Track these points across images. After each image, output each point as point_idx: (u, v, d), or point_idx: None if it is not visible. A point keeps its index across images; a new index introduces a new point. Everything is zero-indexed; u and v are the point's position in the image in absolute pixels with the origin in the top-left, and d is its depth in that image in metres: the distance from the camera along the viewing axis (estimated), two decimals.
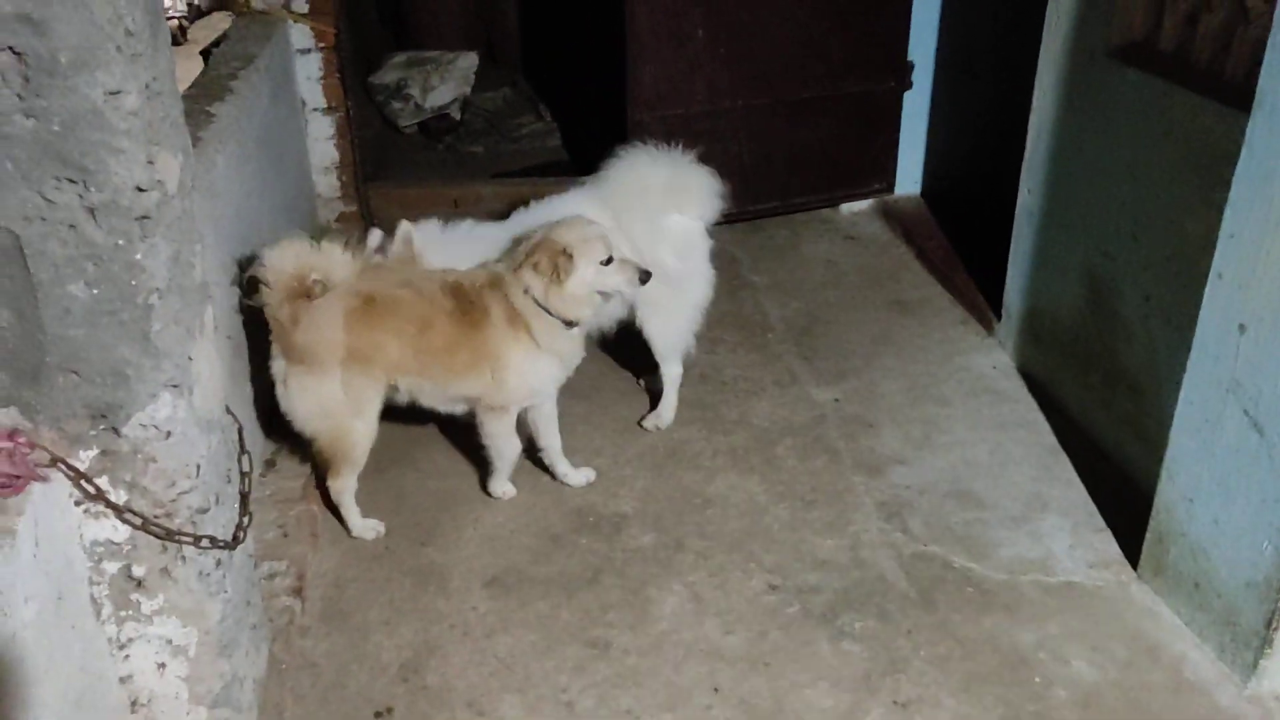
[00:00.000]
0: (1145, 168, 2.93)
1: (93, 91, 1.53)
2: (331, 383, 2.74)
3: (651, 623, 2.68)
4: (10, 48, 1.47)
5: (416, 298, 2.78)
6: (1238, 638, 2.42)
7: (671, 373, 3.41)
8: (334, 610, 2.73)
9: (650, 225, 3.15)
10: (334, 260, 2.70)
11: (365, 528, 2.96)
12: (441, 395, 2.92)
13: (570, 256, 2.75)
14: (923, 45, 4.67)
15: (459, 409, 3.00)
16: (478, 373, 2.84)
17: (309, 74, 4.41)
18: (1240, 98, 2.34)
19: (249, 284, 2.74)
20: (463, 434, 3.24)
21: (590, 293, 2.82)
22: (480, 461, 3.15)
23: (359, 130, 4.65)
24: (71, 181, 1.57)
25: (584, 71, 5.90)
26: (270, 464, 3.15)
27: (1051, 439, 3.34)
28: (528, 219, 3.15)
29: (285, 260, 2.64)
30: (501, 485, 3.10)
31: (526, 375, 2.87)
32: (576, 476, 3.15)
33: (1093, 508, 3.05)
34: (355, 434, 2.84)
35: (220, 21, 4.03)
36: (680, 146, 3.26)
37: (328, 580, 2.83)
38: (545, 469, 3.17)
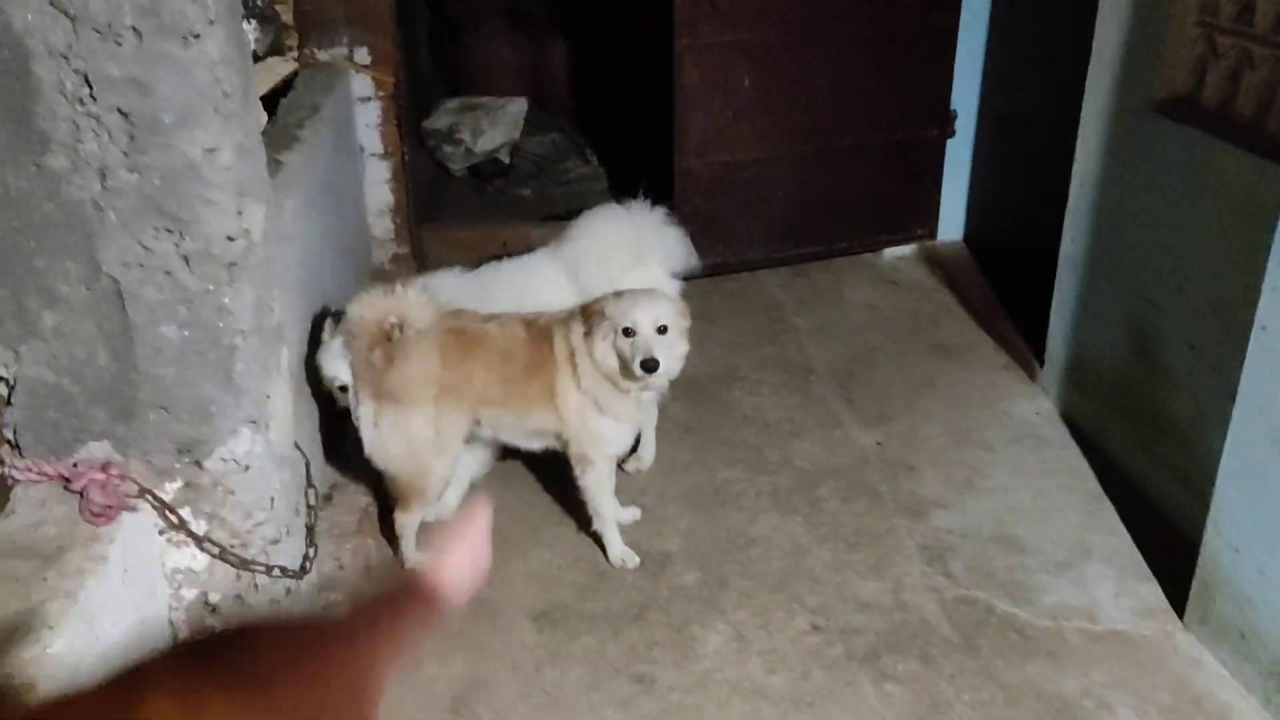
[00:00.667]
0: (1189, 219, 2.97)
1: (191, 148, 1.65)
2: (422, 419, 2.84)
3: (696, 660, 2.73)
4: (119, 108, 1.59)
5: (500, 329, 2.93)
6: None
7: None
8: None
9: (610, 283, 3.10)
10: (410, 303, 2.84)
11: (419, 561, 3.02)
12: (521, 428, 3.01)
13: (604, 316, 2.81)
14: (966, 94, 4.75)
15: (538, 445, 3.07)
16: (547, 405, 2.92)
17: (368, 121, 4.58)
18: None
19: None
20: (512, 475, 3.32)
21: (608, 356, 2.82)
22: (531, 501, 3.23)
23: (412, 174, 4.81)
24: (169, 231, 1.69)
25: (632, 118, 6.04)
26: (327, 498, 3.24)
27: (1095, 486, 3.36)
28: (497, 273, 3.36)
29: (366, 310, 2.80)
30: (615, 550, 3.07)
31: (586, 420, 2.93)
32: (616, 552, 3.09)
33: (1138, 555, 3.06)
34: (435, 473, 2.92)
35: (277, 67, 4.18)
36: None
37: None
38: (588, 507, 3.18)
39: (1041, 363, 3.88)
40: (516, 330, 2.93)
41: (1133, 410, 3.32)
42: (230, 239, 1.74)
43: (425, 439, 2.87)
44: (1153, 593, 2.91)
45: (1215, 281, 2.86)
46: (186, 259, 1.71)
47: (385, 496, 3.36)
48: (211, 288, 1.74)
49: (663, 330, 2.80)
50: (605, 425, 2.93)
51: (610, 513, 3.08)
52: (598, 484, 3.00)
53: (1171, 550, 2.97)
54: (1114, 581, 2.95)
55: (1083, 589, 2.92)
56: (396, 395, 2.82)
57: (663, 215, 3.38)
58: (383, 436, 2.87)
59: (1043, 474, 3.43)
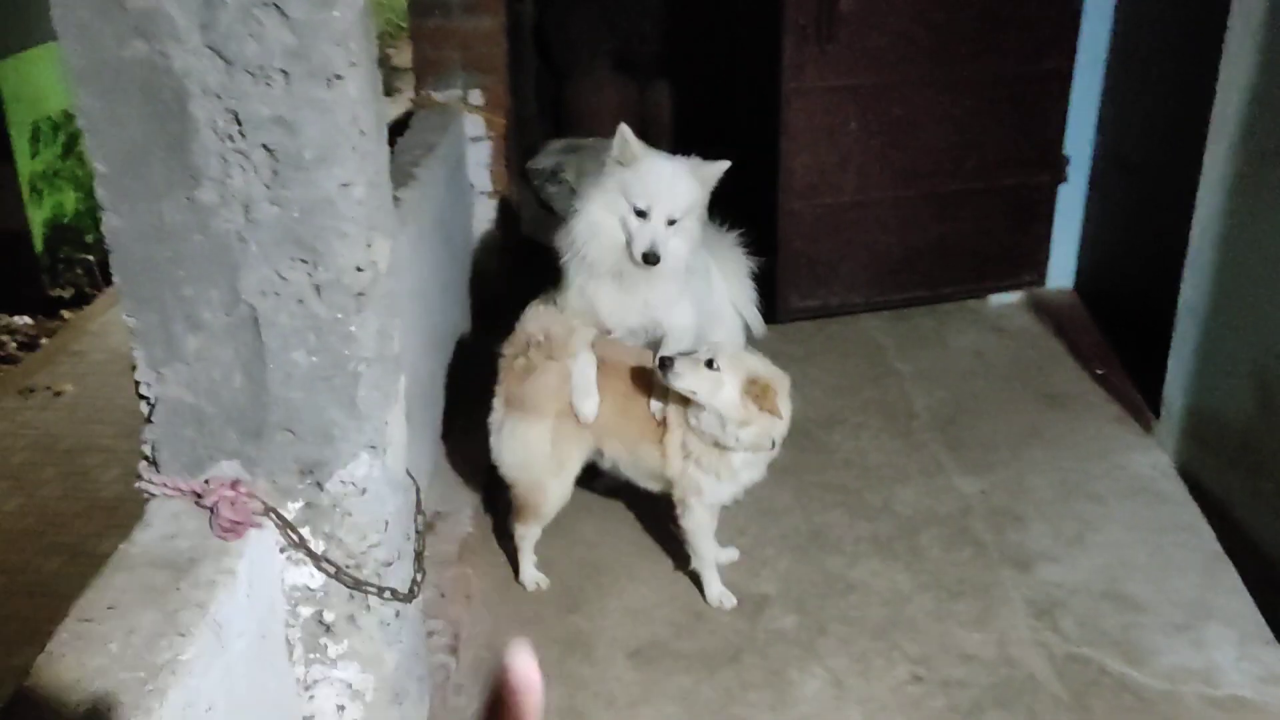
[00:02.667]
0: None
1: (329, 184, 1.73)
2: (542, 432, 2.93)
3: (792, 705, 2.69)
4: (265, 145, 1.68)
5: (631, 363, 2.98)
6: None
7: None
8: (485, 670, 2.84)
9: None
10: (561, 322, 3.00)
11: (531, 578, 3.12)
12: (634, 465, 3.04)
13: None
14: (1079, 139, 4.66)
15: (655, 486, 3.06)
16: (655, 445, 2.94)
17: (479, 160, 4.72)
18: None
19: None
20: (611, 511, 3.35)
21: (708, 425, 2.79)
22: (630, 538, 3.24)
23: (518, 211, 4.93)
24: (303, 261, 1.77)
25: (736, 160, 6.08)
26: (429, 526, 3.31)
27: (1215, 545, 3.22)
28: None
29: (531, 323, 3.00)
30: (713, 591, 3.06)
31: (688, 468, 2.91)
32: (715, 593, 3.07)
33: (1260, 619, 2.91)
34: (550, 491, 3.01)
35: (389, 109, 4.37)
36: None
37: (480, 641, 2.95)
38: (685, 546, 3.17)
39: (1157, 414, 3.75)
40: (644, 364, 2.96)
41: (1257, 467, 3.18)
42: (359, 270, 1.81)
43: (542, 453, 2.95)
44: (1277, 658, 2.76)
45: None
46: (318, 288, 1.78)
47: (491, 523, 3.44)
48: (340, 316, 1.81)
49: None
50: (705, 479, 2.91)
51: (709, 554, 3.07)
52: (696, 527, 3.00)
53: None
54: (1235, 645, 2.82)
55: (1202, 651, 2.80)
56: (523, 405, 2.94)
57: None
58: (503, 441, 2.98)
59: (1159, 530, 3.30)
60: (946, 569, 3.17)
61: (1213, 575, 3.09)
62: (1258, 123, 3.10)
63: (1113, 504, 3.44)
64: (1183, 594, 3.02)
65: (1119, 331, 4.47)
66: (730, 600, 3.04)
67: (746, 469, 2.90)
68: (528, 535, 3.10)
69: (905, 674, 2.77)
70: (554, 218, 6.25)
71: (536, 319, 3.03)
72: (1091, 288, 4.82)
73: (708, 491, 2.92)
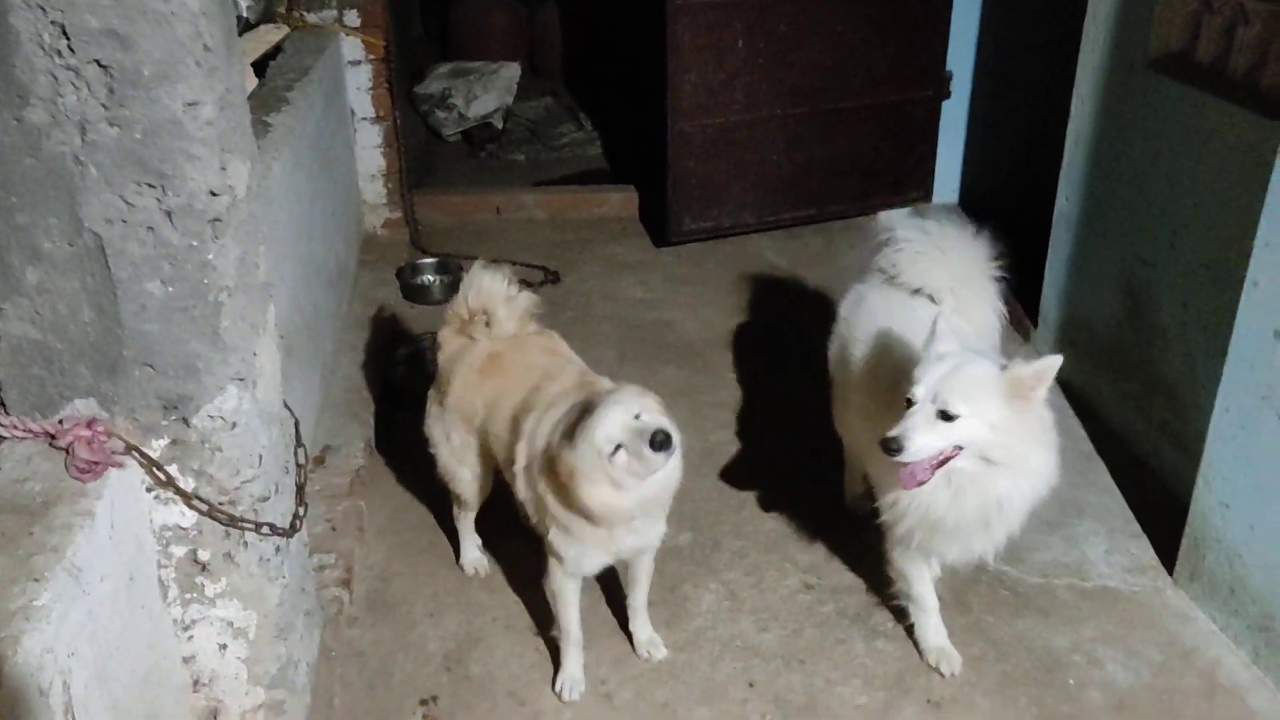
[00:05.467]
0: (1183, 177, 2.95)
1: (173, 102, 1.62)
2: (447, 419, 2.69)
3: (688, 619, 2.74)
4: (97, 60, 1.57)
5: (522, 372, 2.55)
6: (1272, 642, 2.43)
7: None
8: (380, 602, 2.81)
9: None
10: (511, 305, 2.67)
11: (469, 562, 2.91)
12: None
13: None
14: (962, 55, 4.71)
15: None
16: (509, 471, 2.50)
17: (359, 84, 4.54)
18: (1276, 108, 2.37)
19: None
20: None
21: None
22: None
23: (404, 138, 4.77)
24: (151, 186, 1.67)
25: (624, 82, 6.00)
26: (319, 460, 3.24)
27: (1088, 446, 3.36)
28: None
29: (472, 291, 2.65)
30: (564, 674, 2.53)
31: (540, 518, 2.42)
32: (563, 678, 2.53)
33: (1129, 514, 3.07)
34: (460, 479, 2.77)
35: (269, 34, 4.14)
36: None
37: (374, 573, 2.92)
38: None
39: (1036, 324, 3.88)
40: (551, 381, 2.46)
41: (1125, 370, 3.32)
42: (214, 194, 1.72)
43: (445, 440, 2.73)
44: (1143, 550, 2.92)
45: (1208, 238, 2.85)
46: (169, 214, 1.69)
47: (384, 457, 3.39)
48: (195, 243, 1.72)
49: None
50: (560, 539, 2.37)
51: (571, 627, 2.51)
52: (555, 585, 2.47)
53: (1162, 508, 2.98)
54: (1105, 539, 2.97)
55: (1074, 547, 2.94)
56: (440, 386, 2.73)
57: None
58: (427, 416, 2.77)
59: None
60: (836, 483, 3.24)
61: (1085, 474, 3.23)
62: (1125, 35, 3.17)
63: None
64: (1057, 494, 3.09)
65: (1001, 244, 4.57)
66: (577, 692, 2.51)
67: (629, 533, 2.33)
68: (460, 518, 2.89)
69: (797, 583, 2.85)
70: (443, 145, 6.10)
71: (480, 288, 2.66)
72: (975, 202, 4.93)
73: (567, 555, 2.38)
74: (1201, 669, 2.53)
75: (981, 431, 2.15)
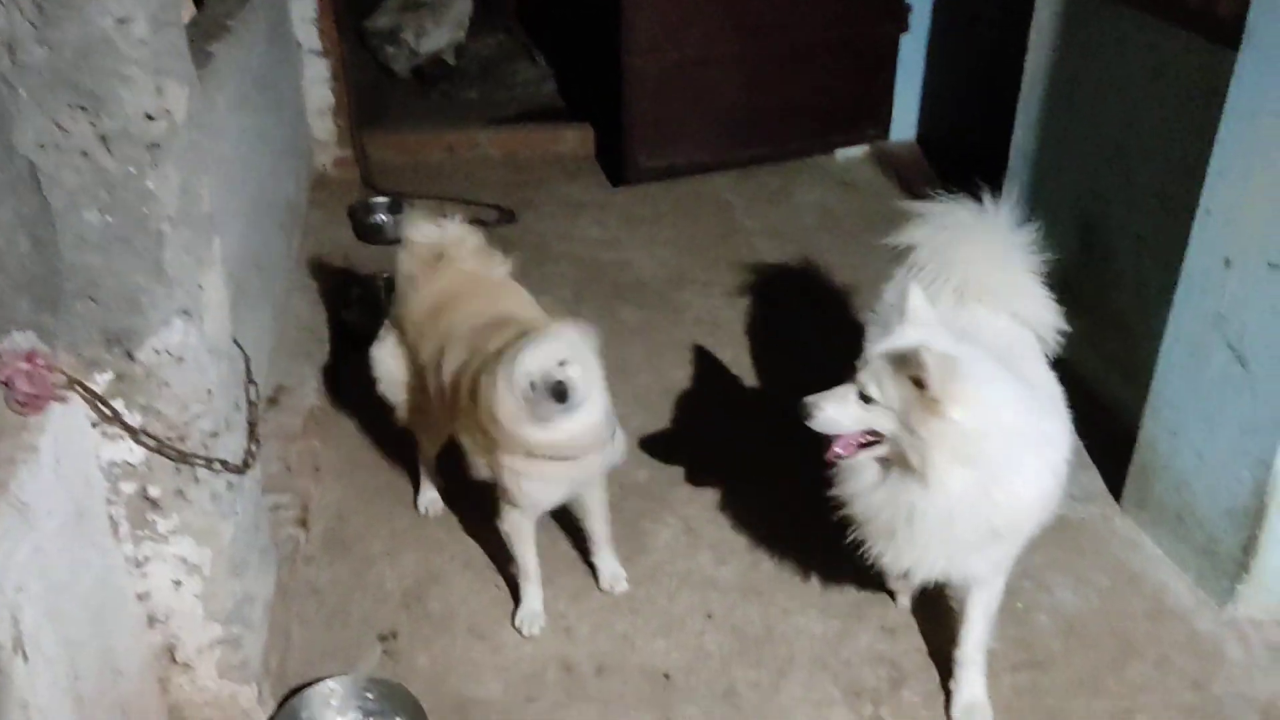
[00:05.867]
0: (1138, 107, 2.96)
1: (103, 20, 1.55)
2: (396, 351, 2.67)
3: (646, 554, 2.75)
4: None
5: (461, 305, 2.53)
6: (1216, 565, 2.50)
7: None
8: (337, 540, 2.80)
9: None
10: (461, 246, 2.63)
11: (425, 501, 2.89)
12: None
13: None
14: None
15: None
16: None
17: (304, 15, 4.41)
18: (1231, 35, 2.37)
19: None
20: None
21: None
22: None
23: (354, 74, 4.65)
24: (84, 109, 1.60)
25: (578, 18, 5.87)
26: (272, 401, 3.19)
27: None
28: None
29: (417, 233, 2.62)
30: (525, 608, 2.54)
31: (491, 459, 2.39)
32: (524, 612, 2.55)
33: (1080, 444, 3.10)
34: (415, 423, 2.75)
35: None
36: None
37: (331, 512, 2.89)
38: None
39: None
40: (495, 336, 2.35)
41: (1079, 304, 3.33)
42: (150, 118, 1.65)
43: (393, 372, 2.69)
44: (1093, 479, 2.98)
45: (1161, 169, 2.87)
46: (104, 139, 1.62)
47: (338, 397, 3.35)
48: (133, 170, 1.65)
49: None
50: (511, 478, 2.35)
51: (530, 564, 2.52)
52: (509, 526, 2.47)
53: (1113, 439, 3.02)
54: None
55: None
56: (393, 319, 2.68)
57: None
58: (379, 347, 2.71)
59: None
60: (795, 419, 3.25)
61: None
62: None
63: None
64: None
65: (960, 181, 4.58)
66: (536, 627, 2.52)
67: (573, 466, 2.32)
68: (421, 460, 2.87)
69: (755, 517, 2.87)
70: (394, 81, 5.95)
71: (423, 231, 2.63)
72: (933, 139, 4.92)
73: (519, 493, 2.36)
74: (1148, 593, 2.60)
75: (891, 425, 1.93)
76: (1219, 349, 2.39)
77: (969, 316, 2.27)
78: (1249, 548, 2.39)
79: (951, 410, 1.84)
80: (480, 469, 2.41)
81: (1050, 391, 2.27)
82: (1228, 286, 2.34)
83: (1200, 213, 2.40)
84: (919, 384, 1.85)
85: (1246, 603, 2.46)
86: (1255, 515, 2.35)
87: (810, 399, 2.01)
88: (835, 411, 1.98)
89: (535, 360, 2.11)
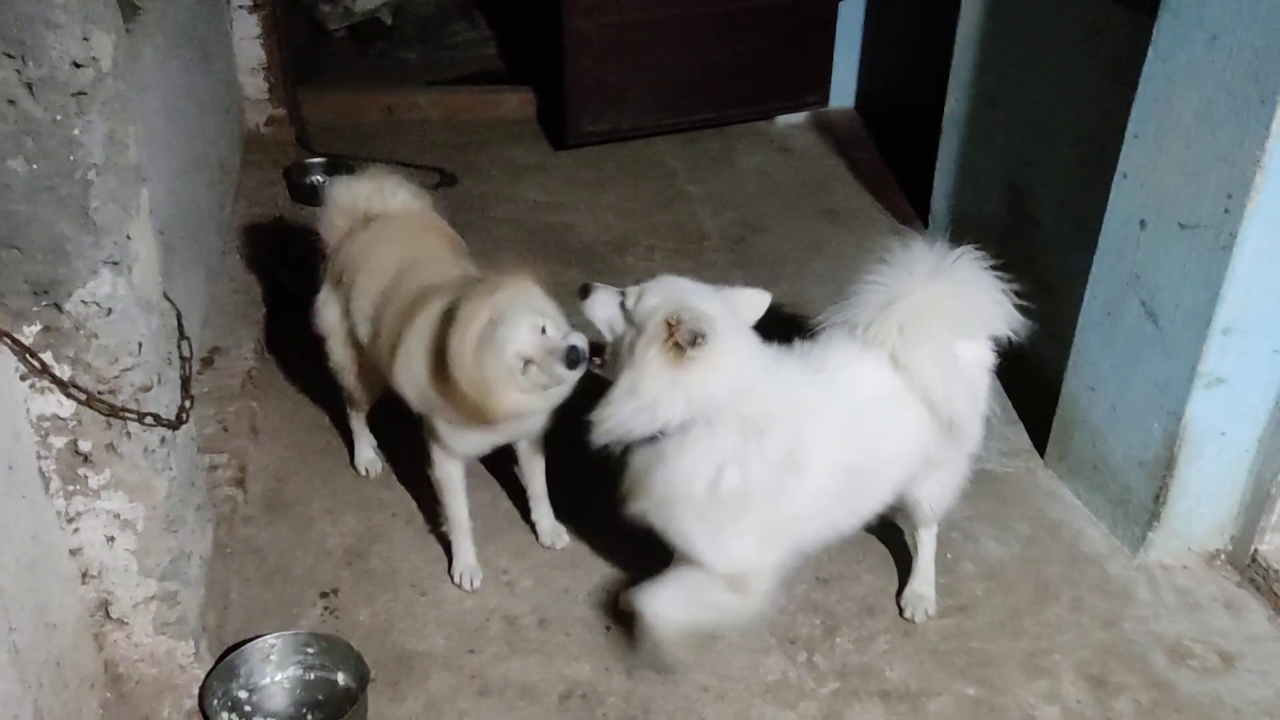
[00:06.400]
0: (1063, 74, 3.04)
1: None
2: (332, 304, 2.65)
3: (590, 510, 2.79)
4: None
5: (394, 257, 2.52)
6: (1129, 514, 2.62)
7: (932, 539, 2.51)
8: (276, 501, 2.79)
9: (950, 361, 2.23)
10: (389, 197, 2.65)
11: (363, 461, 2.89)
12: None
13: None
14: None
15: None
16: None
17: None
18: (1154, 4, 2.44)
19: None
20: None
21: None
22: None
23: (286, 32, 4.56)
24: (10, 56, 1.57)
25: None
26: (208, 362, 3.16)
27: None
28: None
29: (344, 194, 2.64)
30: (460, 562, 2.56)
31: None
32: (460, 566, 2.58)
33: (1006, 402, 3.21)
34: (343, 368, 2.73)
35: None
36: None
37: (269, 473, 2.89)
38: None
39: (926, 224, 3.98)
40: (420, 268, 2.41)
41: (1008, 266, 3.41)
42: (77, 65, 1.63)
43: (333, 327, 2.67)
44: (1019, 435, 3.08)
45: (1085, 135, 2.96)
46: (30, 86, 1.60)
47: (275, 358, 3.32)
48: (59, 118, 1.63)
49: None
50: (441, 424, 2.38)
51: (461, 516, 2.54)
52: (441, 480, 2.50)
53: (1039, 397, 3.13)
54: (983, 425, 3.11)
55: None
56: (331, 270, 2.65)
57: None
58: (321, 304, 2.69)
59: None
60: None
61: None
62: None
63: None
64: None
65: (897, 148, 4.67)
66: (475, 579, 2.55)
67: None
68: (353, 418, 2.87)
69: None
70: (329, 40, 5.85)
71: (351, 192, 2.65)
72: (871, 106, 4.99)
73: (449, 437, 2.38)
74: (1066, 540, 2.71)
75: (622, 336, 2.08)
76: (1133, 307, 2.49)
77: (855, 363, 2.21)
78: (1159, 497, 2.50)
79: (680, 360, 1.94)
80: (417, 405, 2.40)
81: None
82: (1141, 246, 2.43)
83: (1118, 176, 2.49)
84: (671, 326, 1.94)
85: (1157, 549, 2.58)
86: (1166, 466, 2.46)
87: (595, 284, 2.14)
88: (602, 300, 2.11)
89: (524, 337, 2.11)
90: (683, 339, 1.93)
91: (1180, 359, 2.37)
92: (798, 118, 5.04)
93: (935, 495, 2.36)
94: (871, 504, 2.23)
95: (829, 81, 4.97)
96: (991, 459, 2.99)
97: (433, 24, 6.00)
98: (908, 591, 2.51)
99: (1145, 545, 2.57)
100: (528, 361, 2.13)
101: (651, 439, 2.04)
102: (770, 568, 2.15)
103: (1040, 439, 2.98)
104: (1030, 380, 3.25)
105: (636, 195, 4.45)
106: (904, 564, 2.62)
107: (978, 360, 2.32)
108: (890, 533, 2.71)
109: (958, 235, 3.69)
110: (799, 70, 4.90)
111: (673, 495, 2.07)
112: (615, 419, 2.04)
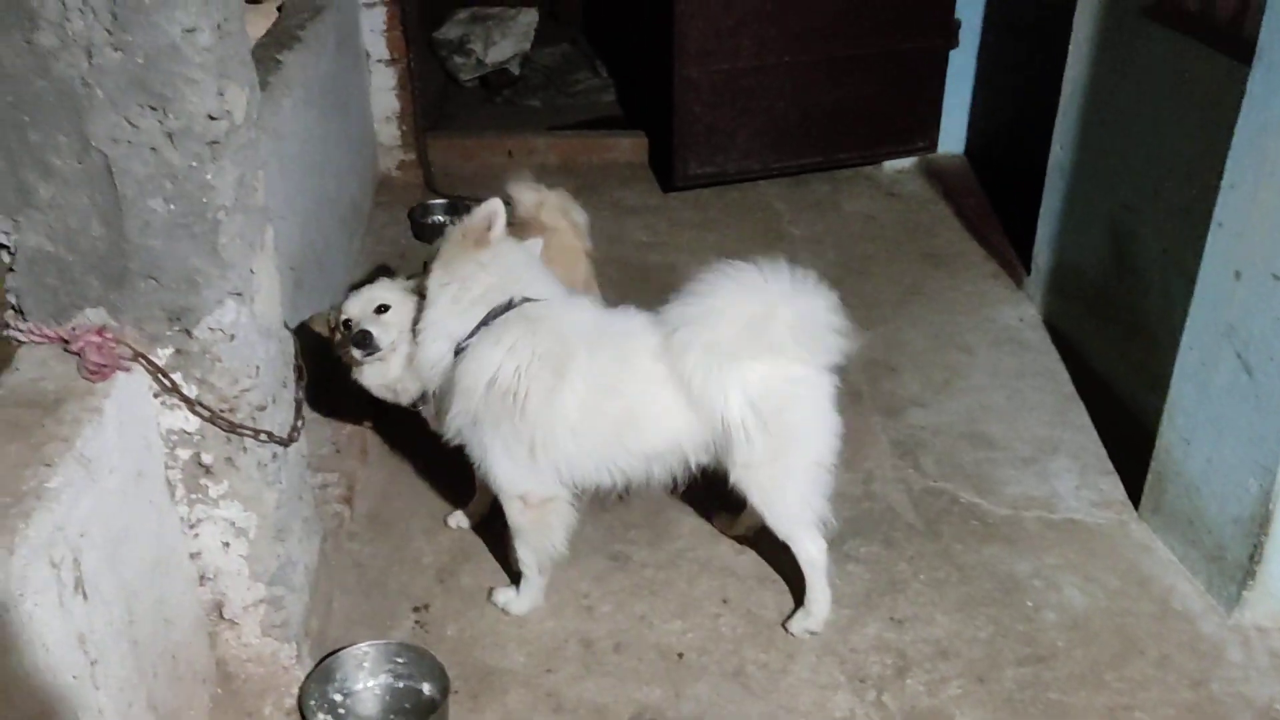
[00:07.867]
0: (1167, 123, 3.00)
1: (172, 28, 1.74)
2: None
3: (669, 541, 2.88)
4: None
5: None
6: (1224, 571, 2.54)
7: (807, 554, 2.53)
8: (379, 519, 2.97)
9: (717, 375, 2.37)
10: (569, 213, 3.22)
11: (456, 518, 2.97)
12: None
13: None
14: (971, 3, 4.72)
15: None
16: None
17: (373, 26, 4.64)
18: (1250, 52, 2.41)
19: None
20: None
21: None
22: None
23: (422, 83, 4.86)
24: (153, 109, 1.79)
25: (638, 28, 6.03)
26: (326, 388, 3.39)
27: (1070, 387, 3.45)
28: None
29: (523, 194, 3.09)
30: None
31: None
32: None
33: (1103, 452, 3.16)
34: None
35: None
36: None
37: (375, 493, 3.08)
38: None
39: (1029, 270, 3.95)
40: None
41: (1109, 313, 3.39)
42: (212, 118, 1.84)
43: None
44: (1113, 485, 3.02)
45: (1188, 184, 2.91)
46: (170, 136, 1.81)
47: None
48: (195, 164, 1.84)
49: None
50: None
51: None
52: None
53: (1136, 447, 3.06)
54: (1076, 475, 3.06)
55: (1045, 482, 3.04)
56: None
57: (812, 287, 2.50)
58: None
59: (1019, 376, 3.52)
60: None
61: (1064, 414, 3.32)
62: None
63: (980, 353, 3.65)
64: (1034, 432, 3.25)
65: (1003, 194, 4.63)
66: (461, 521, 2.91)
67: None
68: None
69: None
70: (460, 90, 6.18)
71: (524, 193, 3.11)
72: (979, 152, 4.97)
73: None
74: (1156, 595, 2.64)
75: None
76: (1228, 359, 2.44)
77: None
78: (1254, 555, 2.42)
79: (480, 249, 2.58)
80: None
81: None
82: (1237, 297, 2.39)
83: (1214, 225, 2.45)
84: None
85: (1252, 609, 2.49)
86: (1261, 523, 2.39)
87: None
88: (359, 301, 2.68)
89: (352, 300, 2.64)
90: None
91: (1276, 413, 2.31)
92: (906, 163, 5.06)
93: (759, 498, 2.47)
94: (643, 445, 2.44)
95: (938, 127, 4.97)
96: (1082, 509, 2.95)
97: (557, 73, 6.27)
98: (798, 616, 2.60)
99: (1240, 605, 2.49)
100: (345, 324, 2.61)
101: (457, 353, 2.46)
102: (550, 488, 2.50)
103: (1136, 491, 2.92)
104: (1130, 430, 3.18)
105: (739, 236, 4.54)
106: (985, 609, 2.61)
107: (794, 379, 2.45)
108: (971, 575, 2.70)
109: (1060, 282, 3.67)
110: (908, 115, 4.92)
111: (462, 393, 2.43)
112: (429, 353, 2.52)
